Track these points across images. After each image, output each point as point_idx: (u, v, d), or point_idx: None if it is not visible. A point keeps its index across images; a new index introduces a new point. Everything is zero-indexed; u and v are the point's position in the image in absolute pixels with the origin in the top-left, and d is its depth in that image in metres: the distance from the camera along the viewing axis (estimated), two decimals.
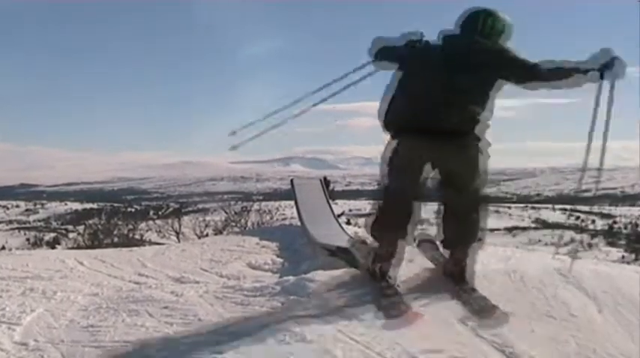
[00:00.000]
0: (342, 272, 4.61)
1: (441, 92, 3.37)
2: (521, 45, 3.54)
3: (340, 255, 7.17)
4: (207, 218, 31.61)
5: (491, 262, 7.90)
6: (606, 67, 3.23)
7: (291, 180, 10.85)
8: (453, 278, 3.83)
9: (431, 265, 4.21)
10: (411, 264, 6.22)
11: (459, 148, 3.45)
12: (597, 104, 3.34)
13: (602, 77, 3.27)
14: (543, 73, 3.35)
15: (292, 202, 9.95)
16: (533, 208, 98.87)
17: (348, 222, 28.50)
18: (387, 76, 3.71)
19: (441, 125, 3.35)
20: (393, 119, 3.59)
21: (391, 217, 3.77)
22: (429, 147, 3.45)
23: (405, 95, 3.51)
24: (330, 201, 10.15)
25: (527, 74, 3.39)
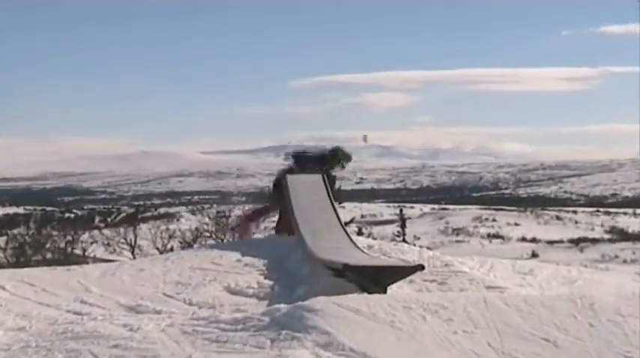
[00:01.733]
0: (351, 299, 4.61)
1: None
2: None
3: (349, 275, 7.19)
4: (172, 226, 31.60)
5: (552, 285, 7.91)
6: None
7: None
8: None
9: None
10: (441, 286, 6.20)
11: None
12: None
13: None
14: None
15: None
16: (607, 213, 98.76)
17: (360, 232, 28.54)
18: None
19: None
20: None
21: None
22: None
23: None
24: (336, 204, 10.14)
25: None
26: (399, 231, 32.95)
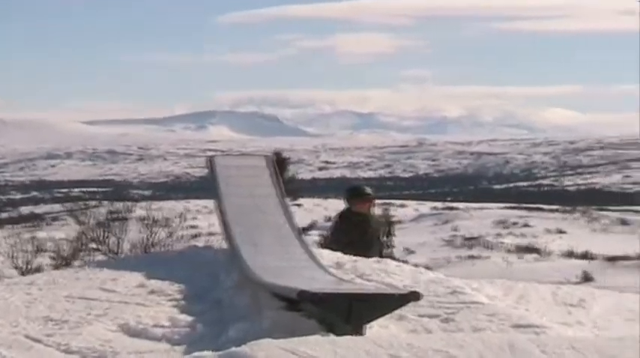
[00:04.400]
0: (311, 343, 4.67)
1: None
2: None
3: (307, 307, 7.24)
4: (41, 234, 31.42)
5: (613, 323, 8.05)
6: None
7: (209, 159, 10.88)
8: None
9: None
10: (447, 325, 6.35)
11: None
12: None
13: None
14: None
15: (212, 202, 9.95)
16: None
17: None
18: None
19: None
20: None
21: None
22: None
23: None
24: (288, 201, 10.20)
25: None
26: (382, 242, 33.24)
